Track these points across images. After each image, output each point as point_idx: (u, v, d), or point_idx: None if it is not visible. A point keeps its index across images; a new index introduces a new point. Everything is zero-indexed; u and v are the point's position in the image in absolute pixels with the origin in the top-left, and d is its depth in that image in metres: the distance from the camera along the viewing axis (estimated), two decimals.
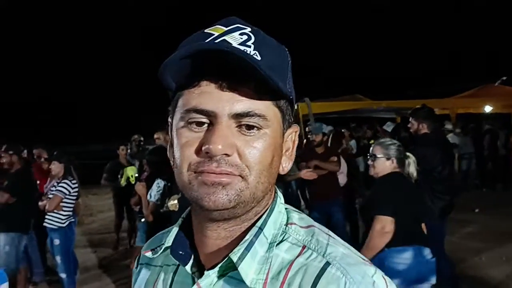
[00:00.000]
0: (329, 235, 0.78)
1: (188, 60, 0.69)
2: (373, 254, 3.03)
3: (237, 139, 0.70)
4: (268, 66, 0.66)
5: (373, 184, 3.50)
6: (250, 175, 0.70)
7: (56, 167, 5.15)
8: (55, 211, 4.96)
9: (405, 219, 3.05)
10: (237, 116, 0.69)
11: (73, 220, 5.20)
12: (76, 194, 5.16)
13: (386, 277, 0.72)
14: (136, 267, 0.95)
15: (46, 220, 5.05)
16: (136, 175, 6.11)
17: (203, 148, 0.68)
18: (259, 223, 0.75)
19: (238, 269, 0.70)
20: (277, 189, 0.82)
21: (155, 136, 6.43)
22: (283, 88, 0.69)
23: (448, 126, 9.74)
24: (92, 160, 16.66)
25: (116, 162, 7.54)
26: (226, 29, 0.72)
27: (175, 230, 0.83)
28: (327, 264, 0.70)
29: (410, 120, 4.93)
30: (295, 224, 0.78)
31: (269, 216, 0.77)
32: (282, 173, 0.79)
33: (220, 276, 0.74)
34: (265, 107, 0.71)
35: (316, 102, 9.12)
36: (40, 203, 5.31)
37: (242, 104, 0.69)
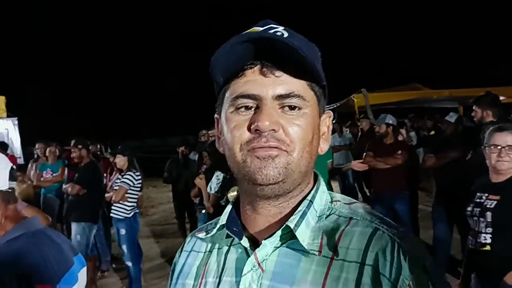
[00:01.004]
0: (370, 208, 0.88)
1: (234, 54, 0.79)
2: None
3: (281, 118, 0.79)
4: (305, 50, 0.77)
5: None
6: (294, 151, 0.79)
7: (121, 160, 5.37)
8: (120, 202, 5.18)
9: None
10: (280, 98, 0.79)
11: (137, 211, 5.42)
12: (139, 185, 5.37)
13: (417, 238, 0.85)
14: (180, 255, 1.01)
15: (112, 211, 5.31)
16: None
17: (252, 127, 0.78)
18: (309, 197, 0.85)
19: (296, 233, 0.79)
20: (319, 174, 0.91)
21: (210, 132, 6.56)
22: (319, 69, 0.81)
23: None
24: (150, 154, 17.27)
25: (175, 160, 7.58)
26: (262, 29, 0.81)
27: (227, 210, 0.92)
28: (376, 229, 0.80)
29: (473, 108, 4.71)
30: (339, 201, 0.88)
31: (316, 192, 0.86)
32: (320, 153, 0.88)
33: (275, 248, 0.82)
34: (303, 89, 0.81)
35: (373, 93, 8.93)
36: (106, 195, 5.59)
37: (283, 86, 0.79)
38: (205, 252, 0.95)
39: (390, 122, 5.72)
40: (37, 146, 7.52)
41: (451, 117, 5.64)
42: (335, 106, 9.60)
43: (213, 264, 0.91)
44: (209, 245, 0.95)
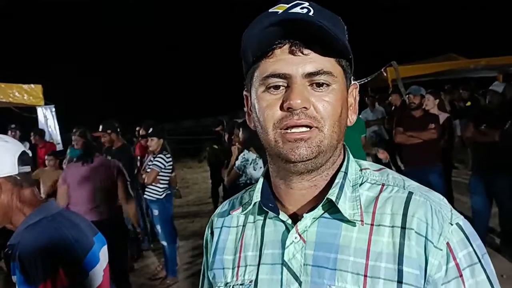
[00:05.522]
0: (399, 173, 0.92)
1: (263, 34, 0.80)
2: None
3: (311, 96, 0.81)
4: (332, 27, 0.78)
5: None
6: (325, 126, 0.82)
7: (155, 143, 5.39)
8: (153, 184, 5.28)
9: None
10: (309, 75, 0.80)
11: (169, 192, 5.51)
12: (170, 167, 5.43)
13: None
14: (211, 233, 1.04)
15: (145, 193, 5.42)
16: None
17: (284, 105, 0.80)
18: (343, 169, 0.89)
19: (338, 206, 0.83)
20: (345, 144, 0.94)
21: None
22: (346, 44, 0.81)
23: None
24: (184, 135, 17.51)
25: (213, 140, 7.60)
26: (288, 5, 0.82)
27: (259, 186, 0.95)
28: (410, 193, 0.85)
29: None
30: (368, 168, 0.92)
31: (348, 162, 0.90)
32: (349, 124, 0.90)
33: (314, 219, 0.86)
34: (331, 65, 0.82)
35: (405, 66, 8.65)
36: (139, 177, 5.70)
37: (312, 64, 0.80)
38: (237, 227, 0.98)
39: (424, 94, 5.57)
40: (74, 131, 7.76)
41: (498, 86, 5.17)
42: (366, 80, 9.40)
43: (249, 238, 0.94)
44: (241, 219, 0.98)
